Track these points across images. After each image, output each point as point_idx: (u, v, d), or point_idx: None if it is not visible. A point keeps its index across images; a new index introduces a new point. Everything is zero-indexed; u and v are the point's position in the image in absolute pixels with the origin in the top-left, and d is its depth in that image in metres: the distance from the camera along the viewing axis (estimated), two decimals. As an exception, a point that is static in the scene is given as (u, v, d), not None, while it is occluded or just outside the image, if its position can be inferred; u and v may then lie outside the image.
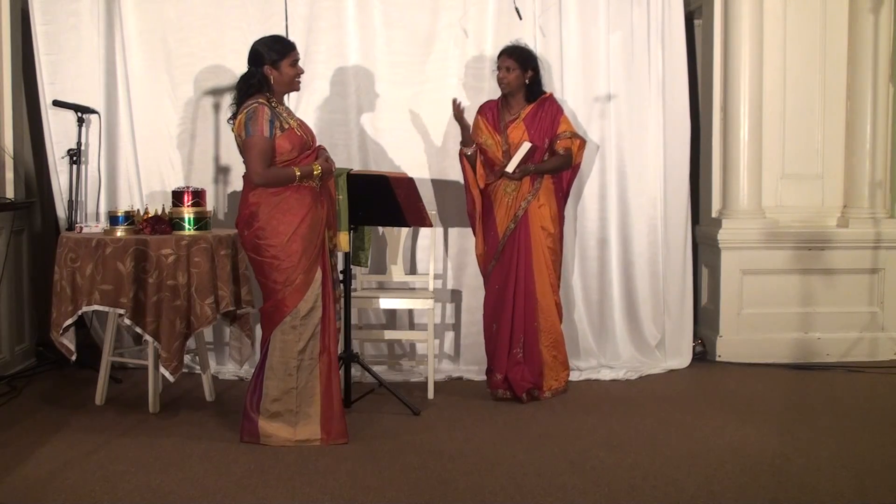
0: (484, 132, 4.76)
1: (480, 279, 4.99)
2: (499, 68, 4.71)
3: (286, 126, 3.90)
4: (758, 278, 5.55)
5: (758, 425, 4.20)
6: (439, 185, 5.29)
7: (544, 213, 4.73)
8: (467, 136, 4.71)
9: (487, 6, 5.24)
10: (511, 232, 4.69)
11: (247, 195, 3.92)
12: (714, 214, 5.66)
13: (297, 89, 4.13)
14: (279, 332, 3.90)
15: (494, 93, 4.93)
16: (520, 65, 4.68)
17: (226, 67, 5.10)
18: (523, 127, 4.71)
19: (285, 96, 4.13)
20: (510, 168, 4.61)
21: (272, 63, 3.92)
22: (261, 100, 3.89)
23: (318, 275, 3.92)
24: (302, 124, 4.03)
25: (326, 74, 5.23)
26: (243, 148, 3.89)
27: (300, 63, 4.06)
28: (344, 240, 4.26)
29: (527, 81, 4.72)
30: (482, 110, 4.85)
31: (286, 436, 3.89)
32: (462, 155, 4.77)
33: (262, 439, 3.90)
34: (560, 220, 4.85)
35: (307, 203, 3.91)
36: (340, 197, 4.25)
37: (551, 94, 4.85)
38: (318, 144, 4.10)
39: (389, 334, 5.16)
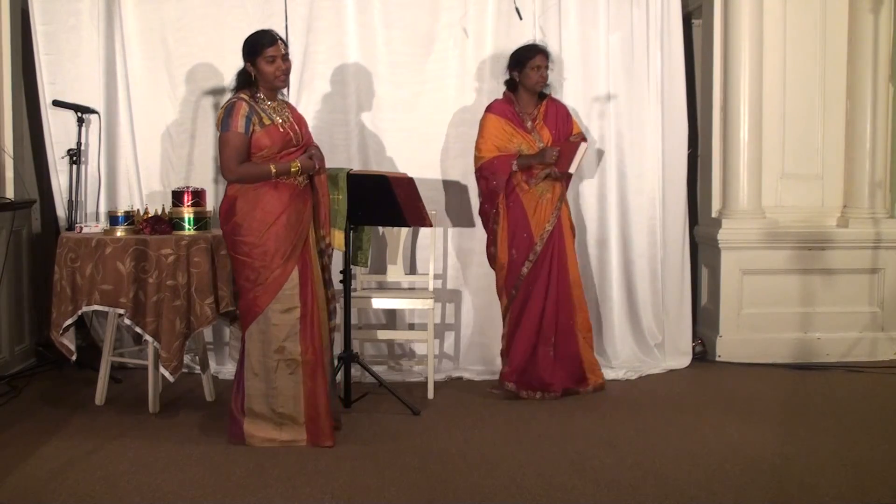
0: (515, 133, 4.69)
1: (481, 279, 4.99)
2: (538, 67, 4.68)
3: (266, 122, 3.85)
4: (758, 278, 5.55)
5: (758, 425, 4.20)
6: (439, 185, 5.29)
7: (566, 212, 4.81)
8: (531, 163, 4.65)
9: (487, 6, 5.24)
10: (548, 234, 4.70)
11: (227, 188, 3.91)
12: (714, 214, 5.65)
13: (281, 86, 3.97)
14: (254, 331, 3.86)
15: (493, 93, 4.93)
16: (550, 64, 4.76)
17: (225, 67, 5.09)
18: (547, 125, 4.74)
19: (283, 91, 4.08)
20: (572, 168, 4.62)
21: (251, 59, 3.89)
22: (242, 95, 3.86)
23: (295, 274, 3.85)
24: (292, 122, 3.95)
25: (326, 74, 5.23)
26: (218, 143, 3.87)
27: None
28: (339, 238, 4.24)
29: None
30: (499, 112, 4.74)
31: (271, 436, 3.87)
32: (510, 168, 4.63)
33: (248, 439, 3.87)
34: None
35: (284, 201, 3.85)
36: (340, 196, 4.24)
37: (551, 94, 4.89)
38: (313, 143, 4.07)
39: (389, 334, 5.16)
